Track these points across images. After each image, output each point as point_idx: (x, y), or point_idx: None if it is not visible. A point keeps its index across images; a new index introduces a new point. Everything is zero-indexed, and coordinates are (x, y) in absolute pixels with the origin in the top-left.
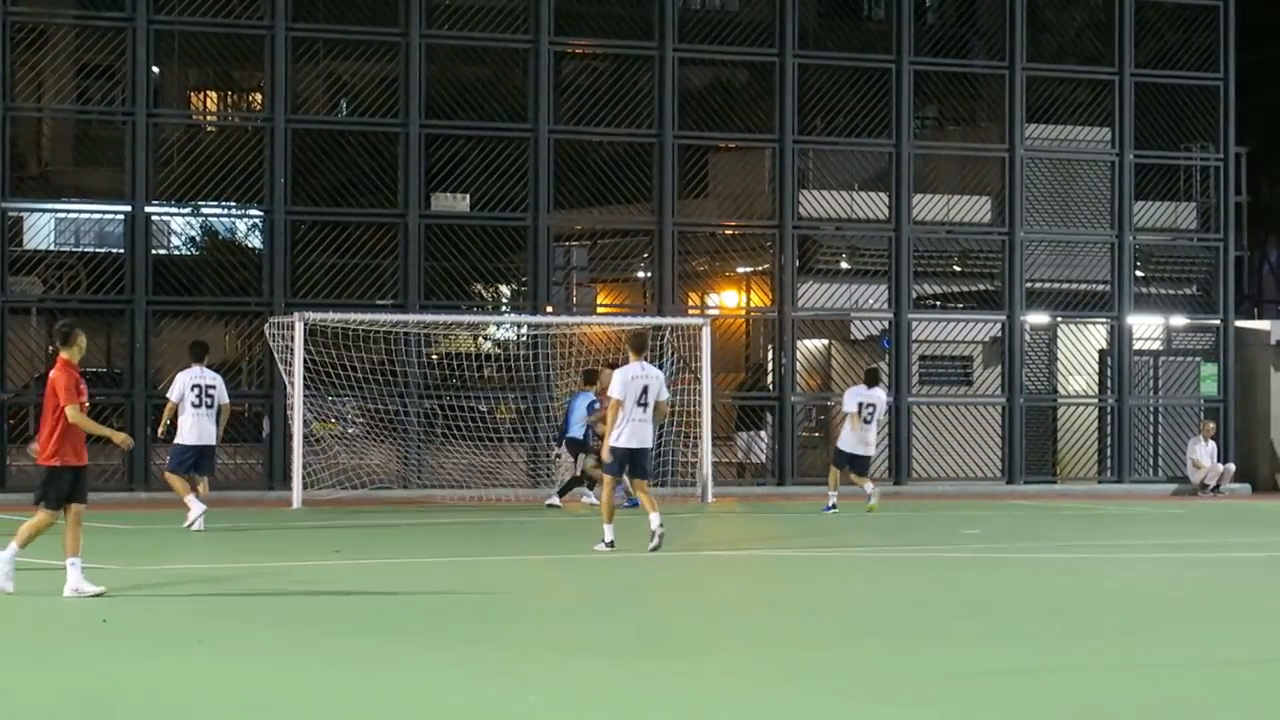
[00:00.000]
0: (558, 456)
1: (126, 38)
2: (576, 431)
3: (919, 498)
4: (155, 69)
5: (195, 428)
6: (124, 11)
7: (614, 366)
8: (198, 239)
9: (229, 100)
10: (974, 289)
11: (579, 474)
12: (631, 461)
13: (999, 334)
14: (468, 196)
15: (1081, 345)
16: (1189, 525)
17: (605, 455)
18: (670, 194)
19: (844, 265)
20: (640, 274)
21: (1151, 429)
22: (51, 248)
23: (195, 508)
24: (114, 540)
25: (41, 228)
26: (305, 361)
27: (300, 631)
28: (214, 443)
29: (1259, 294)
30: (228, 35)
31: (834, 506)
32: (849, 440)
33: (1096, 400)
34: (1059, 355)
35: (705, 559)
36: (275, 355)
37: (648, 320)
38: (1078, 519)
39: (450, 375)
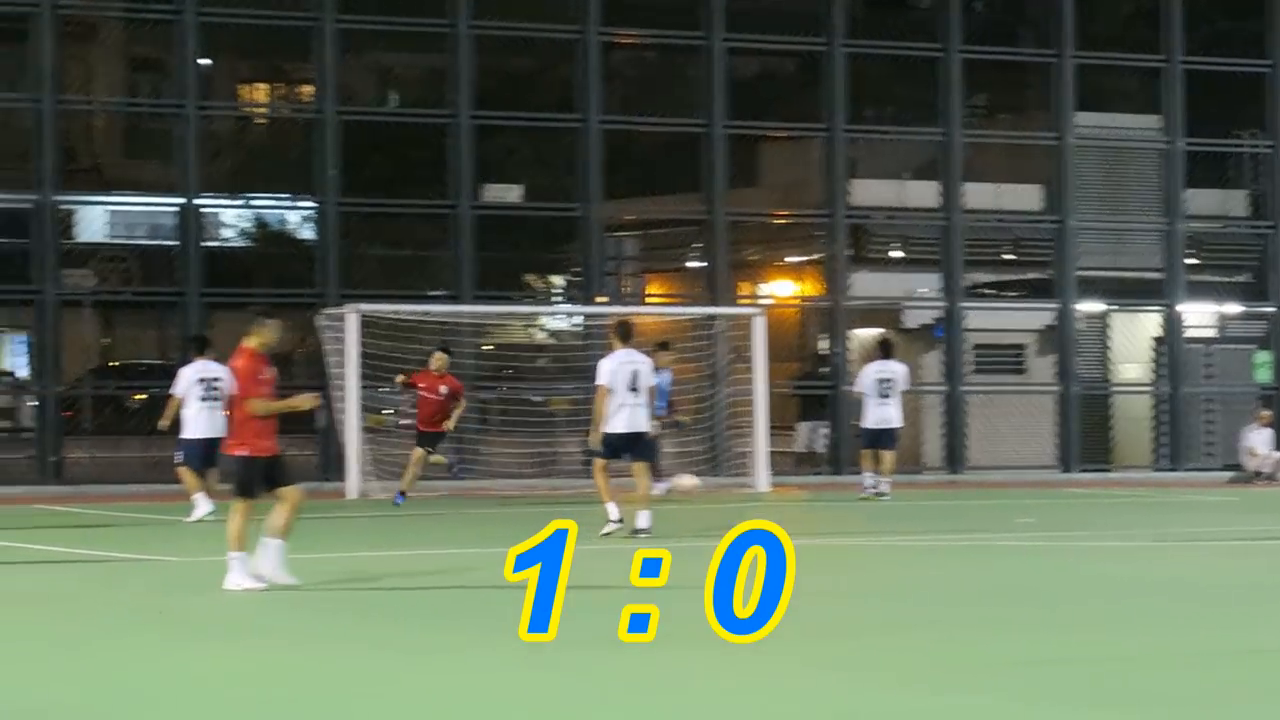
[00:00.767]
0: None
1: (175, 31)
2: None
3: (974, 485)
4: (204, 61)
5: (205, 421)
6: (173, 5)
7: (665, 347)
8: (249, 231)
9: (278, 92)
10: (1026, 277)
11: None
12: (630, 447)
13: (1052, 322)
14: (519, 187)
15: (1134, 333)
16: (1244, 513)
17: (595, 441)
18: (721, 183)
19: (896, 254)
20: (692, 263)
21: (1206, 417)
22: (104, 240)
23: (202, 505)
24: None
25: (93, 221)
26: (359, 354)
27: (355, 620)
28: (223, 435)
29: None
30: (276, 27)
31: (874, 488)
32: (873, 416)
33: (1150, 388)
34: (1112, 343)
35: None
36: (326, 347)
37: (701, 310)
38: (1133, 507)
39: (504, 366)
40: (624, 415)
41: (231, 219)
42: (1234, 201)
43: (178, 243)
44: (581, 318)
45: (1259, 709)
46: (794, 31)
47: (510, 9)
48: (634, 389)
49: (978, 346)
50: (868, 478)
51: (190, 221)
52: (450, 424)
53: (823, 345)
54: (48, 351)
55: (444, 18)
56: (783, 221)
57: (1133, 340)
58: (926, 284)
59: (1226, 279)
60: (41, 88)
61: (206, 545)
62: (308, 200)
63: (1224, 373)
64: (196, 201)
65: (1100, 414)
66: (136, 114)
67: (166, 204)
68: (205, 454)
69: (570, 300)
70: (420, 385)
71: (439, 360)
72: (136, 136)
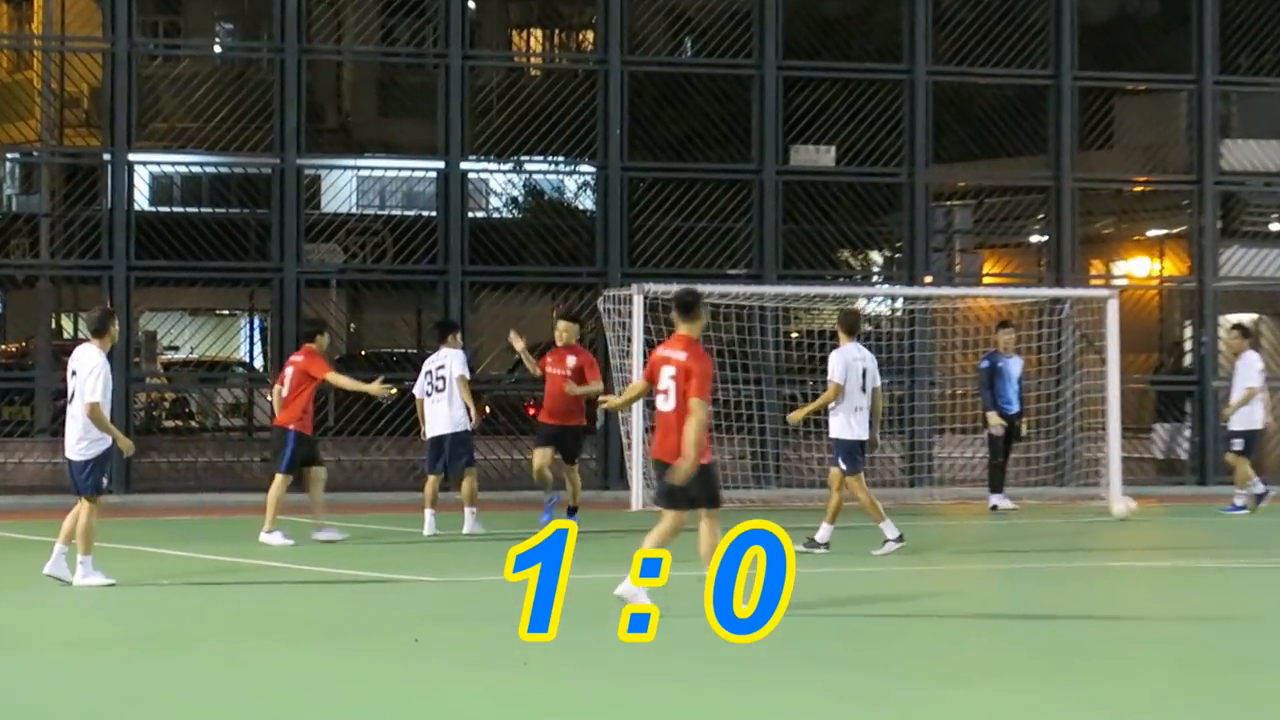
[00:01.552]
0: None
1: None
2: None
3: None
4: (472, 5)
5: (427, 420)
6: None
7: (1006, 325)
8: (520, 200)
9: (556, 40)
10: None
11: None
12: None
13: None
14: (832, 149)
15: None
16: None
17: (797, 419)
18: (1069, 144)
19: (1276, 226)
20: (1034, 238)
21: None
22: (353, 211)
23: (426, 522)
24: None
25: (342, 188)
26: (644, 341)
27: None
28: (450, 430)
29: None
30: None
31: (1258, 497)
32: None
33: None
34: None
35: (1115, 570)
36: (608, 333)
37: (1044, 292)
38: None
39: (812, 357)
40: (859, 419)
41: (500, 186)
42: None
43: (438, 213)
44: (903, 301)
45: None
46: None
47: None
48: (864, 389)
49: None
50: (1257, 485)
51: (453, 189)
52: (612, 400)
53: (1186, 333)
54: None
55: None
56: (1141, 189)
57: None
58: None
59: None
60: (284, 36)
61: (464, 562)
62: (588, 165)
63: None
64: (461, 166)
65: None
66: (392, 65)
67: (426, 168)
68: (433, 458)
69: (891, 280)
70: (547, 364)
71: (566, 331)
72: (392, 91)
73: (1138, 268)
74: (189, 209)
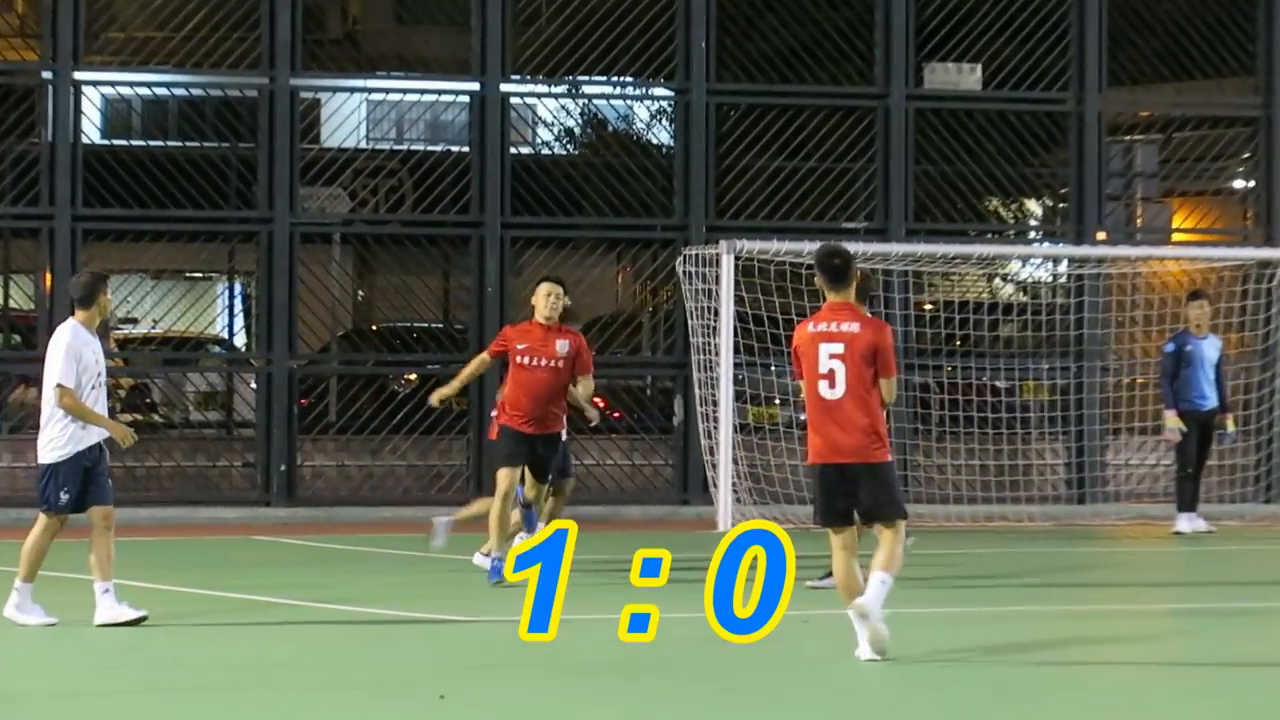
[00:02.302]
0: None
1: None
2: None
3: None
4: None
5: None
6: None
7: (1197, 296)
8: (577, 133)
9: None
10: None
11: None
12: None
13: None
14: (979, 68)
15: None
16: None
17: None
18: None
19: None
20: (1237, 183)
21: None
22: (363, 146)
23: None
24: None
25: (348, 115)
26: (735, 314)
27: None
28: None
29: None
30: None
31: None
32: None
33: None
34: None
35: None
36: (688, 304)
37: (1250, 253)
38: None
39: (950, 336)
40: None
41: (551, 114)
42: None
43: (471, 149)
44: (1069, 264)
45: None
46: None
47: None
48: None
49: None
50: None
51: (490, 117)
52: (590, 413)
53: None
54: (276, 309)
55: None
56: None
57: None
58: None
59: None
60: None
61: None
62: (664, 88)
63: None
64: (501, 88)
65: None
66: None
67: (456, 91)
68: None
69: (1053, 238)
70: (519, 348)
71: (551, 298)
72: None
73: None
74: (152, 143)
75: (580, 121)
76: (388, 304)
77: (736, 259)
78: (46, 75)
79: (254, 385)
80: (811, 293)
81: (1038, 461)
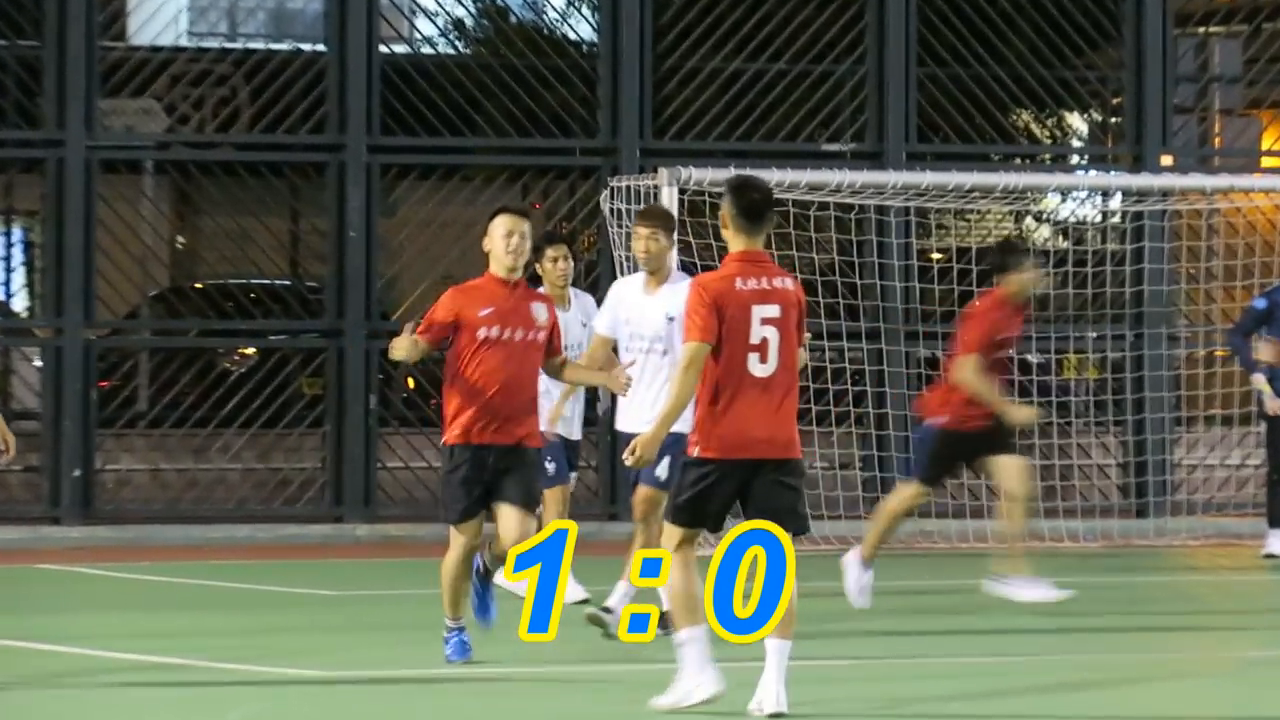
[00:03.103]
0: None
1: None
2: None
3: None
4: None
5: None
6: None
7: None
8: (469, 25)
9: None
10: None
11: None
12: None
13: None
14: None
15: None
16: None
17: None
18: None
19: None
20: None
21: None
22: (183, 43)
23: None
24: None
25: (164, 3)
26: (679, 265)
27: None
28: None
29: None
30: None
31: None
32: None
33: None
34: None
35: None
36: (616, 252)
37: None
38: None
39: (966, 294)
40: None
41: (434, 2)
42: None
43: (327, 46)
44: (1122, 199)
45: None
46: None
47: None
48: None
49: None
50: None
51: (353, 3)
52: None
53: None
54: (69, 261)
55: None
56: None
57: None
58: None
59: None
60: None
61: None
62: None
63: None
64: None
65: None
66: None
67: None
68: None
69: (1103, 163)
70: (479, 315)
71: (509, 236)
72: None
73: None
74: None
75: (473, 10)
76: (216, 254)
77: (681, 192)
78: None
79: (38, 363)
80: (782, 237)
81: (1083, 461)
